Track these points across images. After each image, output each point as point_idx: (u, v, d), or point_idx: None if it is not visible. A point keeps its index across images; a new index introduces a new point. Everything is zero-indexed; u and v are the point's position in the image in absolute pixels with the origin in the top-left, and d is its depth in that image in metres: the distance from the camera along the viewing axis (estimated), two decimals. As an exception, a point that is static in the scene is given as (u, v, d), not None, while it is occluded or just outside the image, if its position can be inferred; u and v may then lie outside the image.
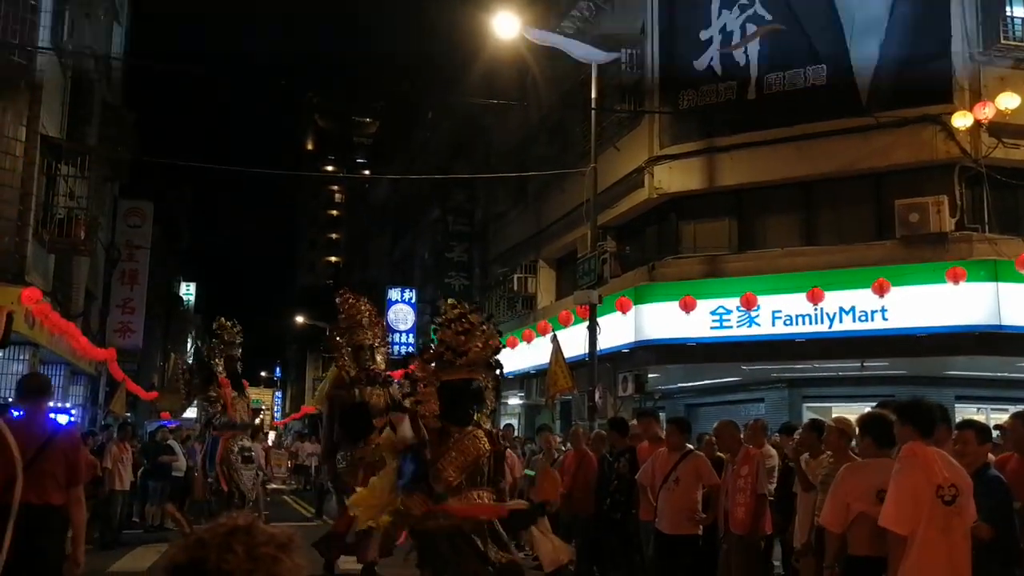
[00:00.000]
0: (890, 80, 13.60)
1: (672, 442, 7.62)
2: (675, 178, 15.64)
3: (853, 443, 5.71)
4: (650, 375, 15.33)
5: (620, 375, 15.15)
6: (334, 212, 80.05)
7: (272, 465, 21.02)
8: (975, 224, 13.18)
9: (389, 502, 5.51)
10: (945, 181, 13.29)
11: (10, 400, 11.70)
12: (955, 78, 13.23)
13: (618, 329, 14.88)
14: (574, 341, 14.19)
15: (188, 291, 48.19)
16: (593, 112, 14.44)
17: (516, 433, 17.04)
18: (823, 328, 13.28)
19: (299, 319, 51.47)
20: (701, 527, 7.40)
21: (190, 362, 25.70)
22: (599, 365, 13.69)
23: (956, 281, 12.20)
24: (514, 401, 22.77)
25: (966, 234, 13.03)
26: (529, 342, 17.79)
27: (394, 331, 26.96)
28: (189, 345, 50.36)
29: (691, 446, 7.92)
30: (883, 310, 12.84)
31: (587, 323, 13.60)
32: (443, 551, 5.27)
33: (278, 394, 75.53)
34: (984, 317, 12.39)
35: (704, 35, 15.40)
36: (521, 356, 18.31)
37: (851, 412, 9.55)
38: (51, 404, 7.92)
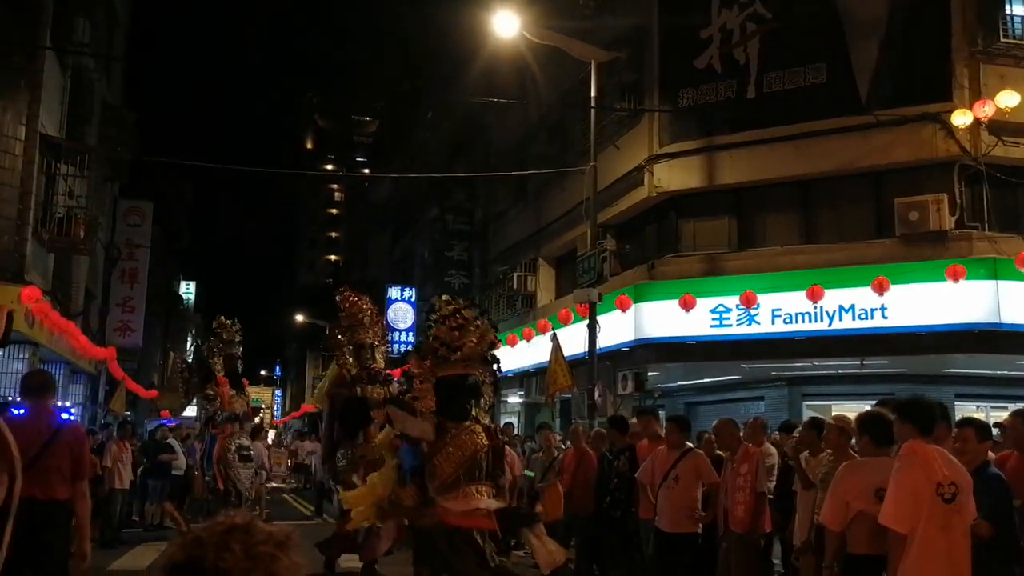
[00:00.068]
0: (890, 78, 13.58)
1: (672, 440, 7.63)
2: (675, 176, 15.64)
3: (853, 441, 5.71)
4: (650, 373, 15.33)
5: (620, 373, 15.14)
6: (334, 211, 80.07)
7: (272, 464, 21.03)
8: (975, 222, 13.17)
9: (383, 495, 5.53)
10: (945, 179, 13.28)
11: (10, 399, 11.71)
12: (955, 76, 13.21)
13: (618, 327, 14.89)
14: (574, 339, 14.19)
15: (188, 290, 48.26)
16: (593, 111, 14.43)
17: (516, 431, 17.05)
18: (823, 326, 13.28)
19: (299, 318, 51.49)
20: (701, 525, 7.41)
21: (189, 361, 25.68)
22: (599, 363, 13.68)
23: (956, 279, 12.20)
24: (514, 399, 22.77)
25: (966, 232, 13.03)
26: (529, 340, 17.79)
27: (394, 330, 26.97)
28: (189, 344, 50.37)
29: (691, 444, 7.92)
30: (883, 308, 12.84)
31: (587, 321, 13.60)
32: (441, 549, 5.26)
33: (278, 393, 75.53)
34: (984, 315, 12.39)
35: (704, 33, 15.40)
36: (521, 354, 18.32)
37: (851, 410, 9.55)
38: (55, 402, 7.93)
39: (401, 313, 29.28)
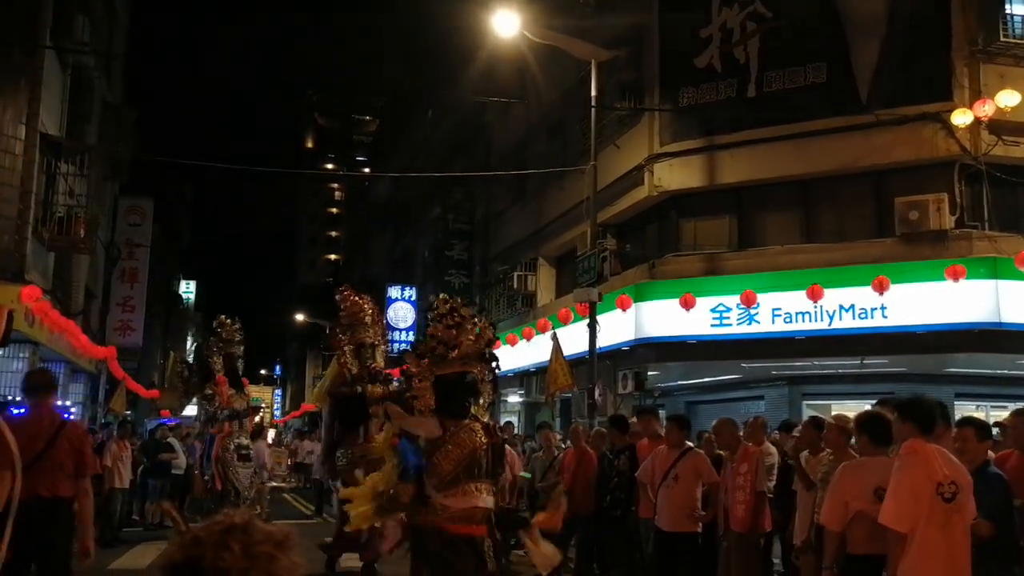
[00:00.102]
0: (890, 78, 13.58)
1: (672, 439, 7.63)
2: (675, 176, 15.63)
3: (853, 440, 5.71)
4: (650, 373, 15.33)
5: (620, 373, 15.14)
6: (334, 210, 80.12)
7: (272, 463, 21.04)
8: (975, 222, 13.18)
9: (382, 492, 5.52)
10: (945, 179, 13.28)
11: (10, 398, 11.72)
12: (955, 76, 13.21)
13: (618, 327, 14.89)
14: (574, 339, 14.20)
15: (188, 289, 48.27)
16: (593, 110, 14.42)
17: (516, 431, 17.06)
18: (823, 325, 13.28)
19: (299, 317, 51.46)
20: (701, 524, 7.41)
21: (189, 360, 25.70)
22: (599, 363, 13.68)
23: (956, 278, 12.20)
24: (514, 399, 22.77)
25: (966, 232, 13.03)
26: (529, 340, 17.80)
27: (394, 329, 26.97)
28: (189, 343, 50.42)
29: (691, 443, 7.92)
30: (883, 307, 12.84)
31: (587, 321, 13.59)
32: (439, 548, 5.26)
33: (278, 392, 75.56)
34: (984, 314, 12.39)
35: (704, 32, 15.39)
36: (521, 354, 18.32)
37: (851, 409, 9.55)
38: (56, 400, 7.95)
39: (401, 312, 29.29)
